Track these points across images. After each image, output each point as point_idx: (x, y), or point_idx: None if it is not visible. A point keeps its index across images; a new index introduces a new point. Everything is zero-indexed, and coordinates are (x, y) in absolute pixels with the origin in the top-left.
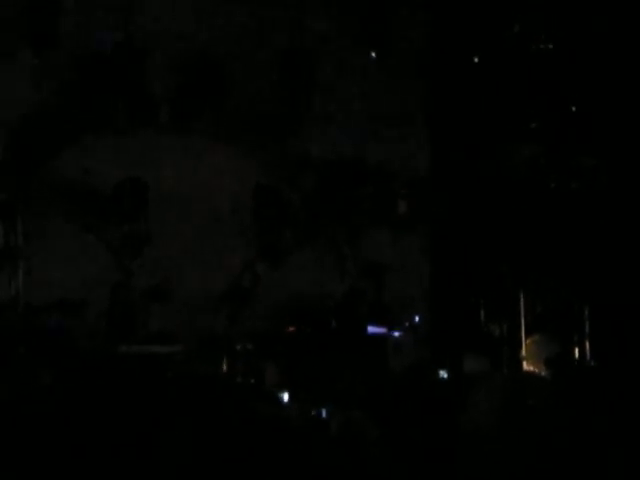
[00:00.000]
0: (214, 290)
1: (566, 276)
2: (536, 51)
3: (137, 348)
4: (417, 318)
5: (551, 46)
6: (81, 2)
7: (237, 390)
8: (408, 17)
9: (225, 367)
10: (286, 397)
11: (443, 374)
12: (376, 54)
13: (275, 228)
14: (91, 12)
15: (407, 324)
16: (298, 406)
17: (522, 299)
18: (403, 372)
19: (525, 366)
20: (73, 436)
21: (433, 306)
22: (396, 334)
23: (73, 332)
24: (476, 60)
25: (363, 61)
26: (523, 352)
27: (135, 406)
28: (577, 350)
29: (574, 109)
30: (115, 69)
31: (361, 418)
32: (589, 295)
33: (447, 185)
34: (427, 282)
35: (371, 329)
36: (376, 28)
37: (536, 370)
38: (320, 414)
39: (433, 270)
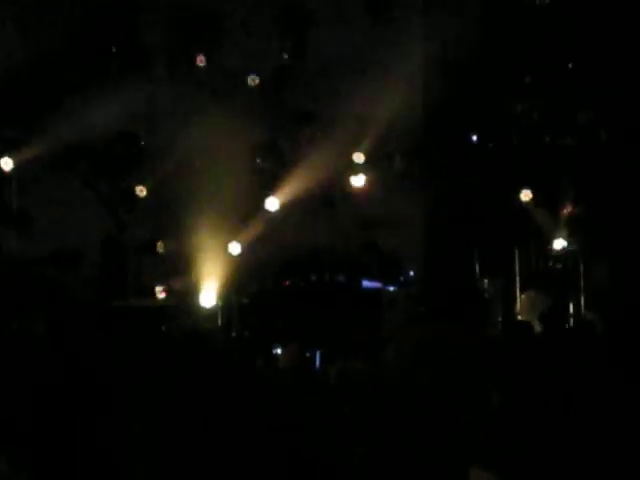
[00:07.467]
0: None
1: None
2: (532, 5)
3: (131, 301)
4: (411, 273)
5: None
6: None
7: (233, 344)
8: None
9: (220, 321)
10: (279, 350)
11: None
12: (372, 11)
13: (271, 182)
14: None
15: (402, 279)
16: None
17: (517, 255)
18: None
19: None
20: (66, 387)
21: (428, 261)
22: (391, 289)
23: (69, 284)
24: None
25: (360, 18)
26: (517, 307)
27: (130, 359)
28: (572, 305)
29: (570, 65)
30: (109, 22)
31: (360, 369)
32: (585, 251)
33: (442, 140)
34: (422, 237)
35: (366, 283)
36: None
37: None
38: (314, 357)
39: (428, 225)
